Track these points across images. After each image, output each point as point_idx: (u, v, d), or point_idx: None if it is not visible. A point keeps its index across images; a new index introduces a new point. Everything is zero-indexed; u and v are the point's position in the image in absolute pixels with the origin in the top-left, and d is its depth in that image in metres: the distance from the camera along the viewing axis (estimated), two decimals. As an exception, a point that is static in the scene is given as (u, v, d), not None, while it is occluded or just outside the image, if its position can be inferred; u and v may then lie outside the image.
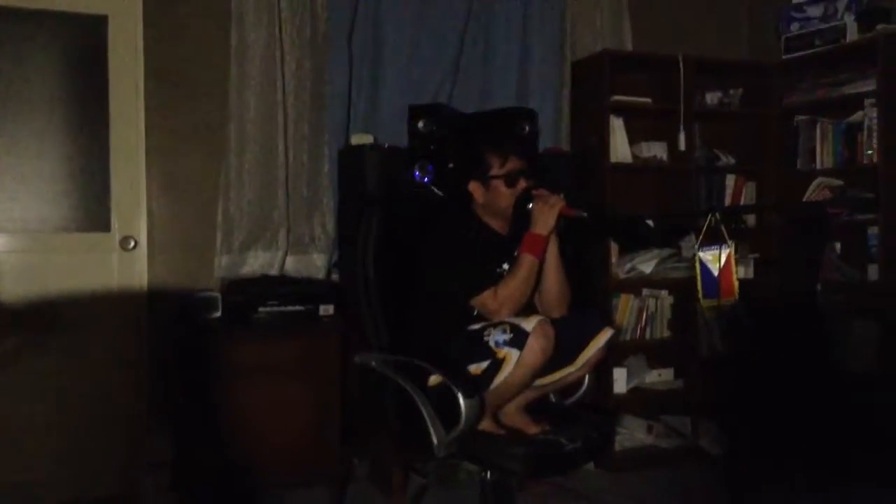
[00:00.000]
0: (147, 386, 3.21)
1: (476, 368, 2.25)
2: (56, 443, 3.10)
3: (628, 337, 3.74)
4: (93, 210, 3.24)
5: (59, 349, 3.10)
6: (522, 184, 2.44)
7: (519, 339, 2.18)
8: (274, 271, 3.29)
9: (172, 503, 2.84)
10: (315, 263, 3.39)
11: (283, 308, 2.95)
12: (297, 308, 2.98)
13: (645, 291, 3.83)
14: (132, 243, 3.23)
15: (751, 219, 4.08)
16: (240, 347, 2.86)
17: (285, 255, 3.33)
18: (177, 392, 2.96)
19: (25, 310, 3.05)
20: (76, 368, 3.12)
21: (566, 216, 2.37)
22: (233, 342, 2.88)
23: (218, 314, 2.96)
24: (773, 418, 3.45)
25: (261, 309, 2.93)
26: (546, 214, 2.36)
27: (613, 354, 3.58)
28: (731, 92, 4.04)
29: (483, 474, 2.44)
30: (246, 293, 2.96)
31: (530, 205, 2.39)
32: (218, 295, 2.99)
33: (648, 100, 3.83)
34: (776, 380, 3.54)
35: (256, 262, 3.29)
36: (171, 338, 3.10)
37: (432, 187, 3.16)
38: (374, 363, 2.31)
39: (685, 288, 3.59)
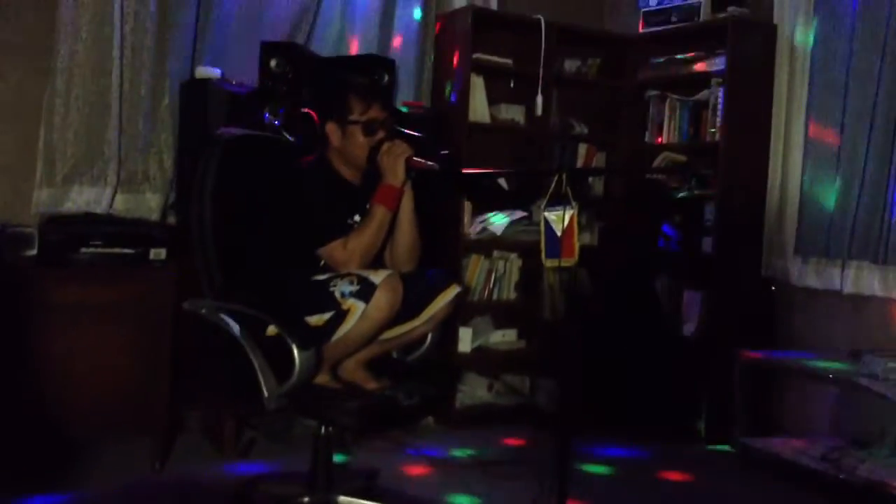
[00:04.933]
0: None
1: (318, 319, 2.19)
2: None
3: (476, 298, 3.76)
4: None
5: None
6: (381, 135, 2.37)
7: (366, 291, 2.14)
8: (101, 209, 3.03)
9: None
10: (148, 204, 3.14)
11: (108, 249, 2.72)
12: (125, 250, 2.75)
13: (495, 253, 3.85)
14: (-65, 170, 2.87)
15: (598, 188, 4.19)
16: (57, 289, 2.63)
17: (115, 192, 3.07)
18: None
19: None
20: None
21: (416, 167, 2.33)
22: (49, 283, 2.63)
23: (33, 252, 2.69)
24: (606, 379, 3.59)
25: (83, 249, 2.69)
26: (394, 164, 2.32)
27: (460, 314, 3.58)
28: (590, 61, 4.10)
29: (317, 429, 2.38)
30: (65, 231, 2.71)
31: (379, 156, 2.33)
32: (34, 231, 2.72)
33: (510, 61, 3.81)
34: (612, 343, 3.68)
35: (81, 198, 3.02)
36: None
37: (283, 131, 3.02)
38: (204, 310, 2.17)
39: (534, 251, 3.59)
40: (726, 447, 3.39)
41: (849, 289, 3.34)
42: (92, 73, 3.02)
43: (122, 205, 3.11)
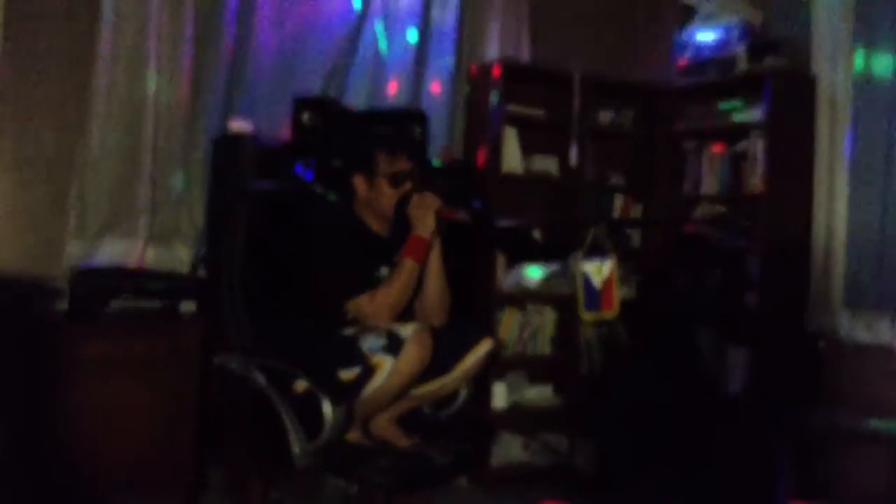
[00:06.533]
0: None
1: (347, 375, 2.12)
2: None
3: (510, 352, 3.66)
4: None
5: None
6: (408, 186, 2.34)
7: (394, 345, 2.07)
8: (132, 262, 3.02)
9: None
10: (179, 257, 3.13)
11: (138, 302, 2.70)
12: (155, 303, 2.73)
13: (529, 306, 3.76)
14: (-29, 222, 2.89)
15: (636, 240, 4.11)
16: (86, 343, 2.60)
17: (146, 245, 3.07)
18: (10, 388, 2.65)
19: None
20: None
21: (447, 218, 2.28)
22: (78, 337, 2.61)
23: (64, 306, 2.68)
24: (647, 437, 3.45)
25: (113, 302, 2.68)
26: (423, 216, 2.28)
27: (494, 369, 3.49)
28: (624, 112, 4.06)
29: (348, 488, 2.29)
30: (96, 284, 2.70)
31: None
32: (65, 284, 2.71)
33: (542, 112, 3.79)
34: (652, 400, 3.55)
35: (113, 251, 3.01)
36: (9, 329, 2.77)
37: (314, 184, 3.01)
38: (234, 365, 2.12)
39: (569, 304, 3.56)
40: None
41: (901, 343, 3.20)
42: (125, 127, 3.05)
43: (152, 257, 3.10)
